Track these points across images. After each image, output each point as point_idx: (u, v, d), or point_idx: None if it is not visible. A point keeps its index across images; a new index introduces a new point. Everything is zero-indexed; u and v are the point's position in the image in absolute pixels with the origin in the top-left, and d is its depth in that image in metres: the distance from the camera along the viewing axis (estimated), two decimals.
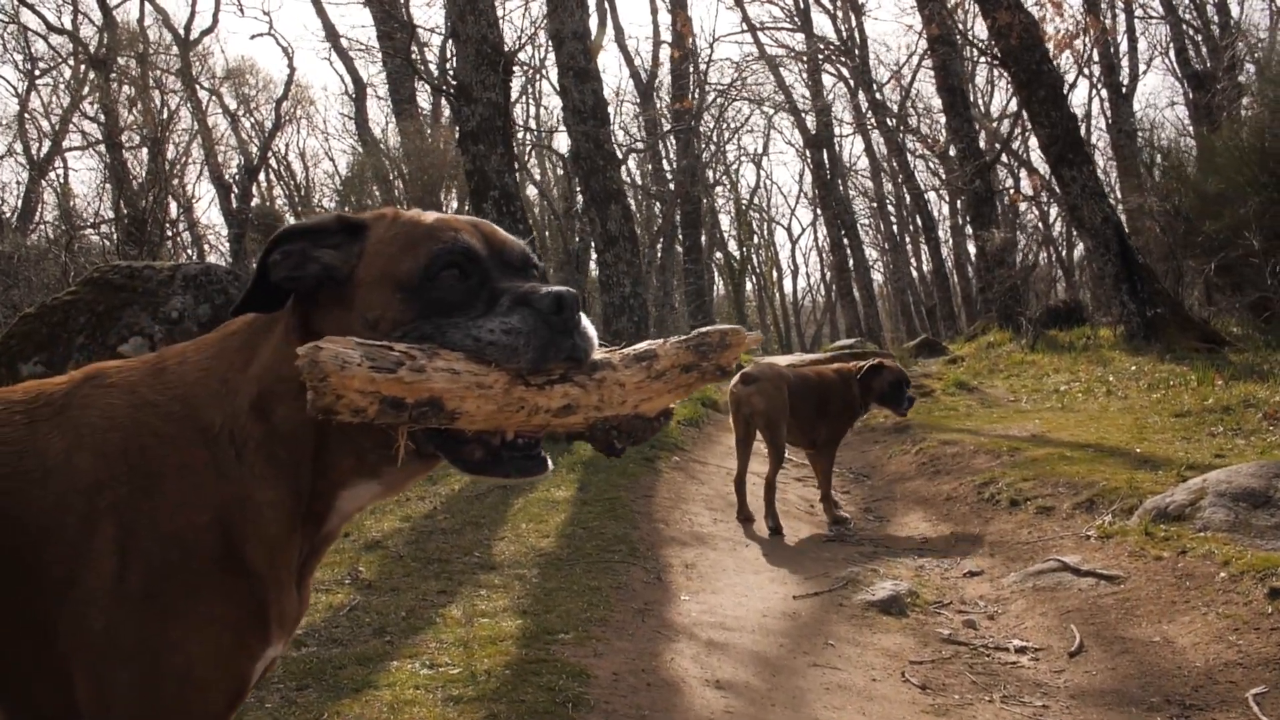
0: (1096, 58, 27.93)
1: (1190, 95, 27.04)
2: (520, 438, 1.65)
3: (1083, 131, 31.73)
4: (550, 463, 1.71)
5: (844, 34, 34.35)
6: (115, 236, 24.51)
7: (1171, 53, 30.48)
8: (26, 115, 31.74)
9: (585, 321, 1.64)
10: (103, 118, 29.08)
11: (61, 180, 32.39)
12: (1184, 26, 28.62)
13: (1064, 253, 33.48)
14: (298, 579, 1.81)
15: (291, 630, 1.84)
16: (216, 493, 1.66)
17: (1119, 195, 25.83)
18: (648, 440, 1.80)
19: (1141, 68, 36.86)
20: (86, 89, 30.46)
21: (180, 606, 1.61)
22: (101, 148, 29.46)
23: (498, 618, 4.66)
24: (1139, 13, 30.79)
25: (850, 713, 3.88)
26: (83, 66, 30.89)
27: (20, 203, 29.05)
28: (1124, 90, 28.49)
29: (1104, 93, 30.35)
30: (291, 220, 32.68)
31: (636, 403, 1.68)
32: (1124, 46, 30.07)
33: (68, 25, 31.89)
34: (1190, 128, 26.45)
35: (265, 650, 1.72)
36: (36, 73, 31.70)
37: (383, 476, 1.79)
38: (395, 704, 3.60)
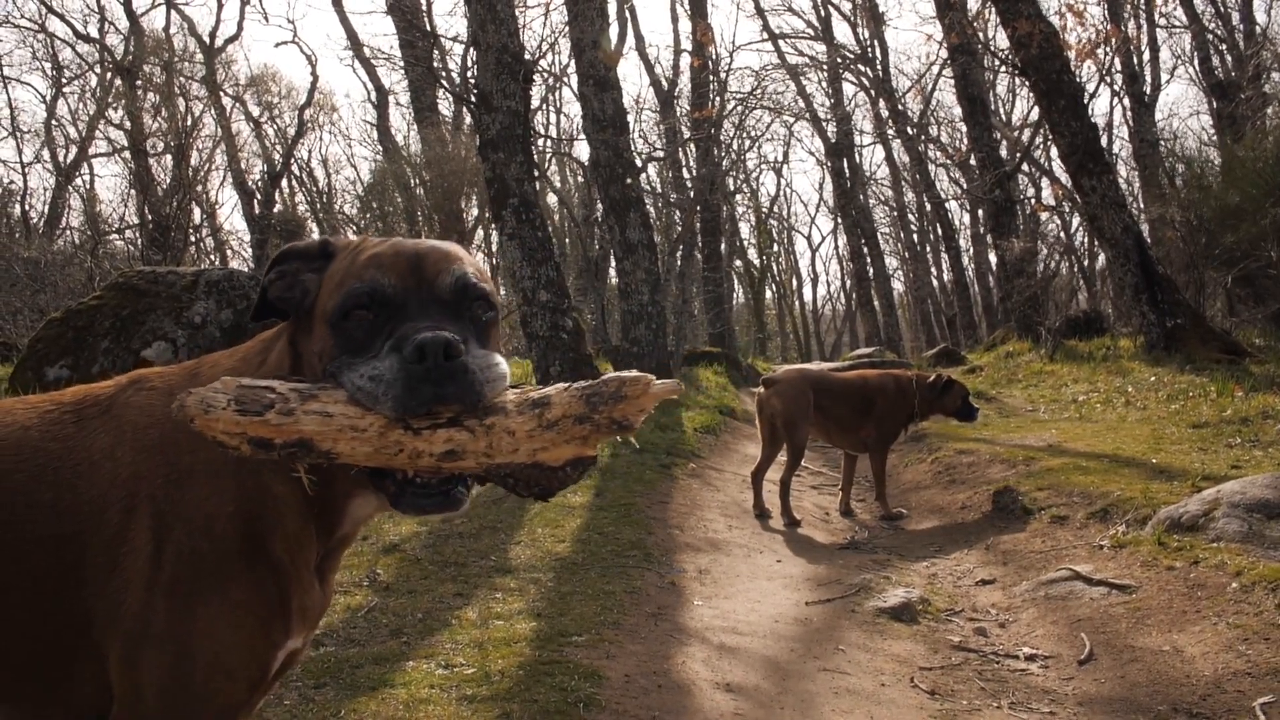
0: (1119, 67, 27.83)
1: (1214, 105, 26.87)
2: (419, 476, 1.65)
3: (1105, 140, 31.62)
4: (462, 501, 1.68)
5: (864, 43, 34.38)
6: (140, 242, 24.82)
7: (1195, 62, 30.31)
8: (54, 122, 32.20)
9: (473, 365, 1.60)
10: (128, 124, 29.44)
11: (87, 186, 32.84)
12: (1208, 35, 28.47)
13: (1085, 263, 33.37)
14: (319, 577, 1.90)
15: (314, 624, 1.94)
16: (239, 487, 1.76)
17: (1141, 205, 25.74)
18: (557, 491, 1.68)
19: (1164, 77, 36.70)
20: (112, 96, 30.86)
21: (208, 593, 1.71)
22: (127, 154, 29.80)
23: (512, 620, 4.73)
24: (1162, 21, 30.65)
25: (858, 716, 3.92)
26: (109, 74, 31.30)
27: (47, 208, 29.49)
28: (1146, 100, 28.36)
29: (1126, 102, 30.20)
30: (314, 226, 32.99)
31: (531, 452, 1.60)
32: (1146, 56, 29.95)
33: (94, 34, 32.38)
34: (1215, 137, 26.32)
35: (286, 641, 1.81)
36: (63, 80, 32.19)
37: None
38: (411, 702, 3.67)
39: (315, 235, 31.82)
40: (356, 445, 1.57)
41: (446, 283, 1.73)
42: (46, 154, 31.93)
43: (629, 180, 14.38)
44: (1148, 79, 29.68)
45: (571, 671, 4.00)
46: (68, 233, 28.21)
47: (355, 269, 1.75)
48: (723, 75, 27.73)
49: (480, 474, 1.64)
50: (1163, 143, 28.02)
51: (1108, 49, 20.56)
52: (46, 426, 1.84)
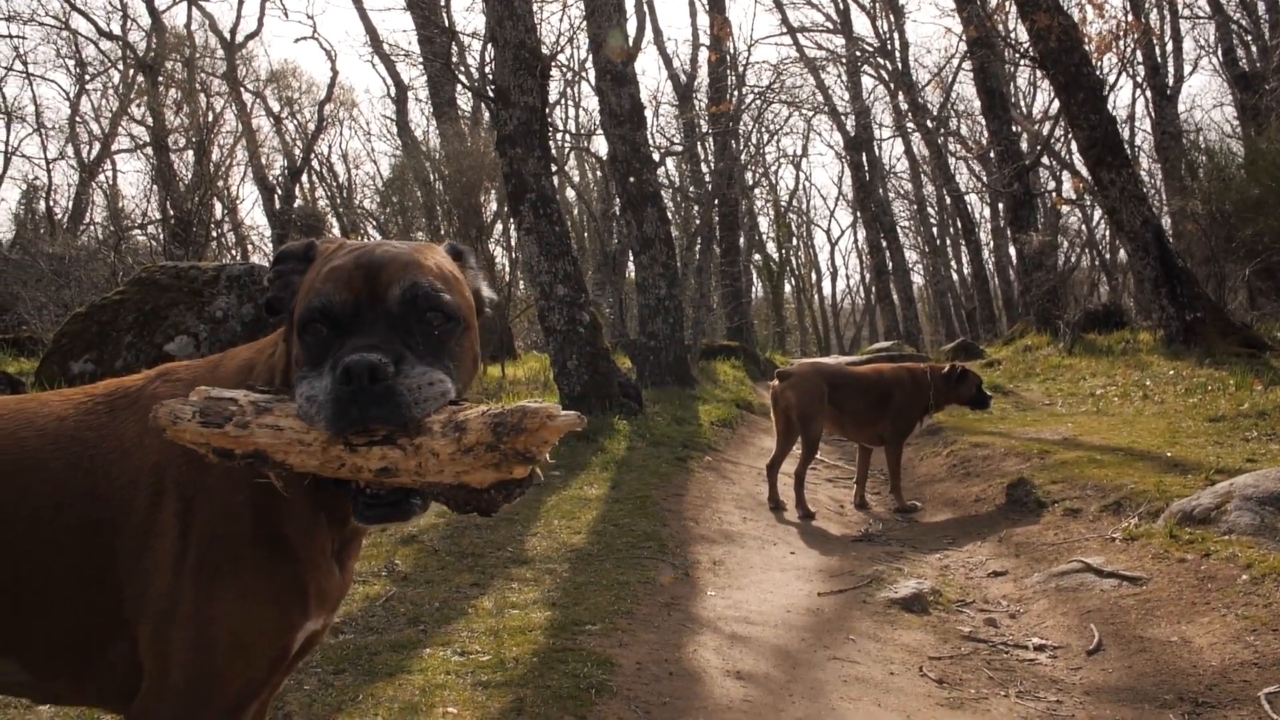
0: (1141, 58, 27.62)
1: (1238, 96, 26.63)
2: (370, 487, 1.68)
3: (1127, 133, 31.48)
4: (414, 511, 1.70)
5: (883, 36, 34.26)
6: (162, 237, 25.06)
7: (1219, 52, 30.01)
8: (77, 119, 32.57)
9: (402, 387, 1.61)
10: (150, 121, 29.71)
11: (110, 182, 33.18)
12: (1232, 26, 28.18)
13: (1107, 256, 33.20)
14: (339, 563, 1.98)
15: (333, 607, 2.01)
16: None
17: (1164, 197, 25.56)
18: (493, 512, 1.67)
19: (1188, 68, 36.42)
20: (135, 92, 31.14)
21: (228, 577, 1.79)
22: (149, 150, 30.10)
23: (527, 609, 4.81)
24: (1185, 12, 30.37)
25: (866, 704, 3.98)
26: (131, 71, 31.60)
27: (71, 204, 29.84)
28: (1168, 92, 28.14)
29: (1149, 94, 29.96)
30: (334, 221, 33.17)
31: (456, 473, 1.60)
32: (1170, 47, 29.69)
33: (117, 30, 32.70)
34: (1238, 129, 26.11)
35: (305, 622, 1.89)
36: (87, 77, 32.54)
37: None
38: (427, 687, 3.75)
39: (336, 230, 32.05)
40: (305, 458, 1.63)
41: (396, 295, 1.72)
42: (70, 150, 32.38)
43: (633, 178, 14.44)
44: (1170, 70, 29.43)
45: (585, 659, 4.07)
46: (91, 228, 28.57)
47: (317, 281, 1.77)
48: (741, 69, 27.70)
49: (418, 490, 1.67)
50: (1185, 135, 27.79)
51: (1128, 41, 20.43)
52: (81, 417, 1.94)
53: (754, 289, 42.32)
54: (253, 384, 1.78)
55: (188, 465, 1.82)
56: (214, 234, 28.16)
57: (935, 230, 42.41)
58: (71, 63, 32.34)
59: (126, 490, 1.85)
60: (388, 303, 1.72)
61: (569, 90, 31.02)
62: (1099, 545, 6.04)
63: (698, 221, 24.04)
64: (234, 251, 31.92)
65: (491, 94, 11.85)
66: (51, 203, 29.72)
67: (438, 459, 1.59)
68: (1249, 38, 28.79)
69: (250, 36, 36.36)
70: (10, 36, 40.61)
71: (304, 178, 35.44)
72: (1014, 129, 24.22)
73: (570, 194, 31.10)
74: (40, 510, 1.83)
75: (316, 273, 1.80)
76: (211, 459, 1.65)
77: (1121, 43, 20.23)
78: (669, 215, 17.34)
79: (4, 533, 1.81)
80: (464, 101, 26.00)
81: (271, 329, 2.06)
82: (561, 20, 30.79)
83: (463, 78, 21.66)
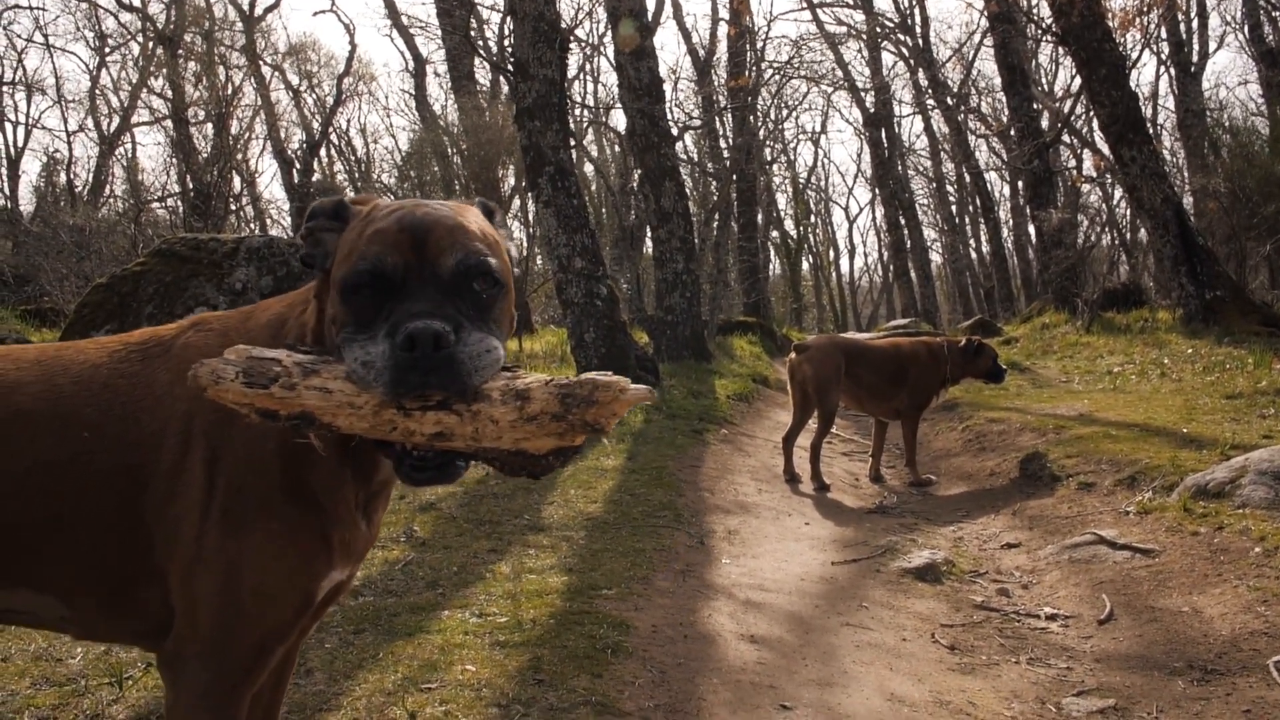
0: (1164, 34, 27.32)
1: (1264, 72, 26.30)
2: (416, 449, 1.70)
3: (1150, 110, 31.19)
4: (460, 474, 1.74)
5: (904, 11, 33.96)
6: (181, 209, 25.18)
7: (1245, 28, 29.62)
8: (97, 91, 32.68)
9: (462, 354, 1.63)
10: (170, 94, 29.83)
11: (130, 155, 33.31)
12: (1259, 1, 27.80)
13: (1127, 234, 32.94)
14: (365, 516, 2.02)
15: (359, 559, 2.06)
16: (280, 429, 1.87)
17: (1186, 175, 25.34)
18: (543, 475, 1.72)
19: (1213, 45, 35.91)
20: (154, 65, 31.23)
21: (254, 524, 1.85)
22: (168, 123, 30.22)
23: (544, 574, 4.88)
24: None
25: (878, 668, 4.03)
26: (151, 43, 31.67)
27: (91, 176, 30.00)
28: (1192, 68, 27.84)
29: (1172, 70, 29.65)
30: (352, 195, 33.29)
31: (514, 440, 1.65)
32: (1195, 23, 29.35)
33: (137, 3, 32.74)
34: (1263, 106, 25.82)
35: (329, 571, 1.94)
36: (107, 50, 32.65)
37: None
38: (446, 646, 3.82)
39: None
40: (354, 420, 1.65)
41: (449, 264, 1.74)
42: (90, 123, 32.52)
43: (651, 152, 14.42)
44: (1195, 47, 29.11)
45: (600, 621, 4.13)
46: (111, 200, 28.71)
47: (361, 243, 1.76)
48: (760, 44, 27.50)
49: (469, 454, 1.70)
50: (1209, 112, 27.50)
51: (1152, 16, 20.21)
52: (115, 364, 1.98)
53: (771, 266, 42.13)
54: (292, 344, 1.79)
55: (214, 417, 1.86)
56: (233, 207, 28.29)
57: (954, 208, 42.17)
58: (91, 35, 32.63)
59: (156, 437, 1.90)
60: (439, 270, 1.73)
61: (588, 65, 30.97)
62: (1112, 518, 6.07)
63: (715, 197, 23.98)
64: (253, 225, 32.06)
65: (510, 67, 11.85)
66: (72, 175, 29.93)
67: (496, 425, 1.63)
68: (1276, 13, 28.39)
69: (269, 9, 36.42)
70: (31, 8, 40.66)
71: (322, 151, 35.54)
72: (1035, 106, 24.02)
73: (589, 168, 31.04)
74: (77, 455, 1.88)
75: (358, 234, 1.80)
76: (254, 419, 1.67)
77: (1145, 18, 20.01)
78: (687, 190, 17.32)
79: (43, 477, 1.87)
80: (482, 75, 26.01)
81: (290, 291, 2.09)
82: None
83: (481, 51, 21.63)
